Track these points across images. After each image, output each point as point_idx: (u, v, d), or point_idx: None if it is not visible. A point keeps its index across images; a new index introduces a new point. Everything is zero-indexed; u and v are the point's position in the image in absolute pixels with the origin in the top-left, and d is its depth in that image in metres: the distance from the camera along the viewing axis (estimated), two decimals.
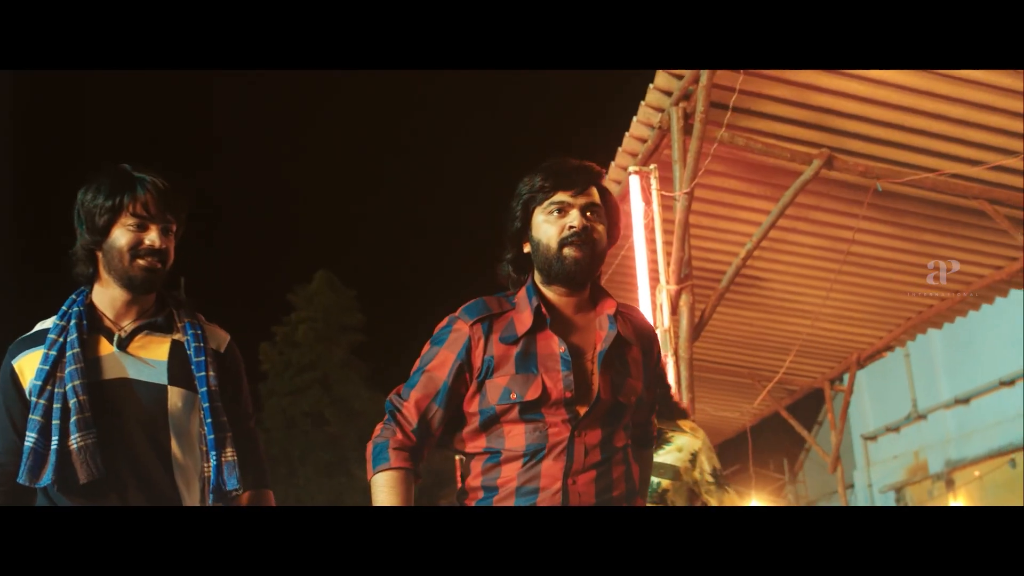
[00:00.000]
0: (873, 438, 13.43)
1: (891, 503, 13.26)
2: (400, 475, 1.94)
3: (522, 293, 2.05)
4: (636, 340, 2.09)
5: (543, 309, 2.01)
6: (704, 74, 4.62)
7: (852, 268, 6.60)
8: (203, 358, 2.22)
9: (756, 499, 13.00)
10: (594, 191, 2.04)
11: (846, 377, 8.82)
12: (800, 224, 6.03)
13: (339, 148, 34.53)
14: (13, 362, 2.19)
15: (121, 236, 2.16)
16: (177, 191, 2.22)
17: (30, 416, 2.12)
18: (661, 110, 5.12)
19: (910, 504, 12.83)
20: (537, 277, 2.06)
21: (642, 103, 5.17)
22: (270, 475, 2.36)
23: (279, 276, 25.75)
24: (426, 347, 2.05)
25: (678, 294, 4.91)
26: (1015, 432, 10.13)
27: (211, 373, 2.21)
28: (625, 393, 2.01)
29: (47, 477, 2.06)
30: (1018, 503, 10.03)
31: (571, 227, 1.98)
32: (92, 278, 2.22)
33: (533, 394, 1.93)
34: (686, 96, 4.97)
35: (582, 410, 1.94)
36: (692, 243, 5.96)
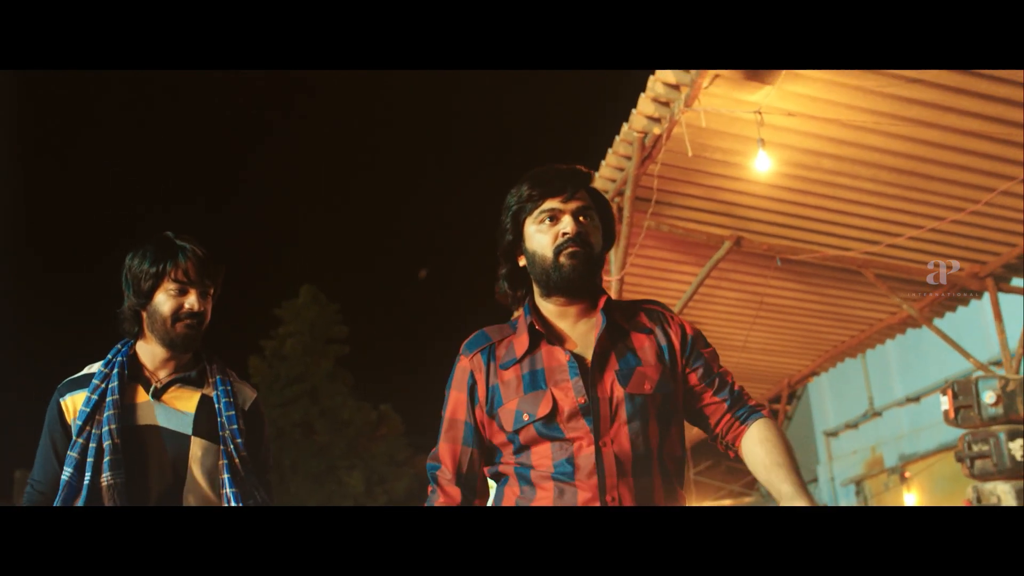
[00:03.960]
0: (835, 434, 14.31)
1: (851, 495, 14.02)
2: None
3: (520, 315, 2.03)
4: (643, 325, 2.02)
5: (536, 325, 1.96)
6: (629, 183, 5.85)
7: (771, 313, 7.93)
8: (232, 412, 2.41)
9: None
10: (585, 195, 1.99)
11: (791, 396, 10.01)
12: (722, 283, 7.36)
13: (319, 163, 35.46)
14: (61, 400, 2.38)
15: (164, 302, 2.36)
16: (214, 258, 2.43)
17: (68, 452, 2.30)
18: None
19: (868, 495, 13.67)
20: (536, 291, 2.02)
21: None
22: None
23: (267, 291, 26.82)
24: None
25: None
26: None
27: (238, 427, 2.41)
28: (634, 384, 1.91)
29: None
30: (964, 494, 10.91)
31: (565, 234, 1.93)
32: (137, 335, 2.44)
33: (544, 409, 1.88)
34: (620, 193, 6.21)
35: (598, 417, 1.87)
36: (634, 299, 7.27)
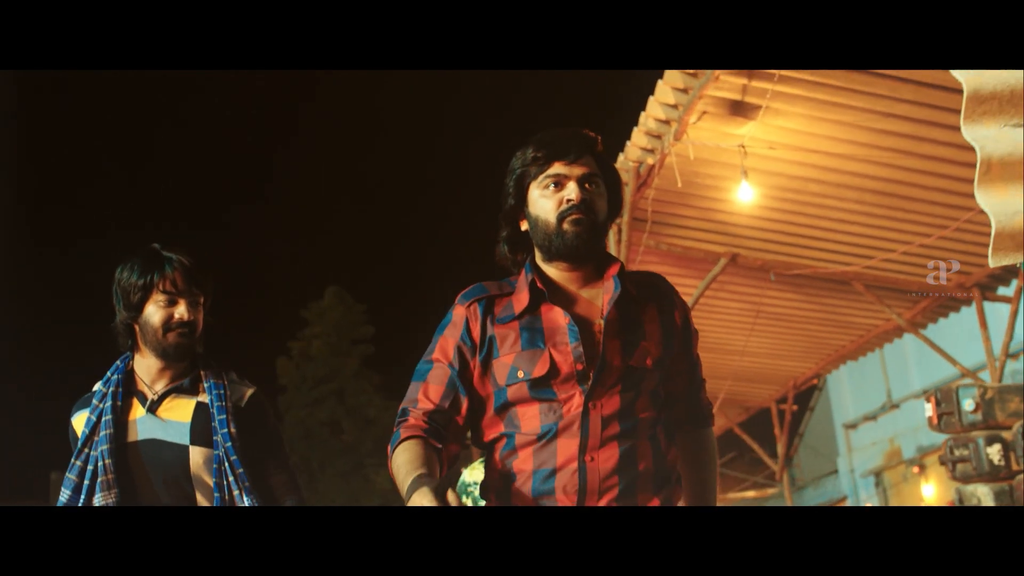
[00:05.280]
0: (854, 426, 14.50)
1: (871, 486, 14.34)
2: (408, 443, 1.85)
3: (521, 275, 2.00)
4: (651, 299, 2.01)
5: (538, 283, 1.94)
6: (626, 208, 6.25)
7: (770, 320, 8.33)
8: (223, 416, 2.37)
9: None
10: (591, 161, 1.96)
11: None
12: (720, 294, 7.77)
13: (342, 163, 35.98)
14: (72, 419, 2.44)
15: (154, 313, 2.36)
16: (202, 266, 2.42)
17: (67, 475, 2.32)
18: None
19: (887, 487, 13.92)
20: (537, 255, 2.00)
21: None
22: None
23: (293, 293, 27.31)
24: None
25: None
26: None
27: (228, 430, 2.36)
28: (637, 357, 1.91)
29: None
30: None
31: (569, 200, 1.91)
32: (133, 348, 2.45)
33: (541, 370, 1.87)
34: (619, 215, 6.59)
35: (596, 382, 1.87)
36: None
